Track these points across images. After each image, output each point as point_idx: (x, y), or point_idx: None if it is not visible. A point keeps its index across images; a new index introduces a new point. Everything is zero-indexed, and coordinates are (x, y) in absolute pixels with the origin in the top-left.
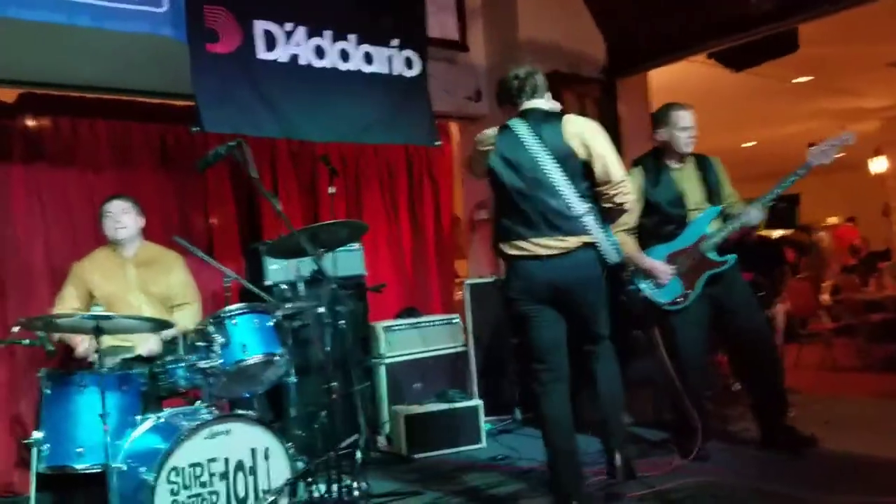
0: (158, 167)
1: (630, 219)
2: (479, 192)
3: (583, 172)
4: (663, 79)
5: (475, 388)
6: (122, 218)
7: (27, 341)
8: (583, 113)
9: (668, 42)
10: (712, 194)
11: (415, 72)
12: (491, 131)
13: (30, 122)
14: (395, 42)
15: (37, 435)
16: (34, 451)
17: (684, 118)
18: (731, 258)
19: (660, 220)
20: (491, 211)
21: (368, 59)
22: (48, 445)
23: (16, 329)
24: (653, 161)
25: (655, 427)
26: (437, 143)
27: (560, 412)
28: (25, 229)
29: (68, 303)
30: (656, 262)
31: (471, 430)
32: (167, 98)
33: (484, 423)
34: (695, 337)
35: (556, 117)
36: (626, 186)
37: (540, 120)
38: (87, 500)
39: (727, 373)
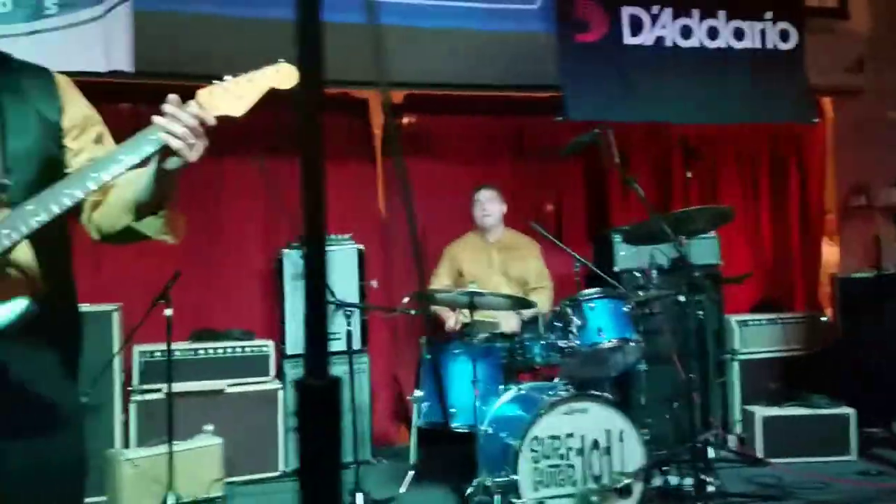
0: (515, 156)
1: None
2: (854, 174)
3: None
4: None
5: (844, 394)
6: (489, 206)
7: (413, 311)
8: None
9: None
10: None
11: (790, 44)
12: None
13: (412, 120)
14: (769, 14)
15: (418, 394)
16: (415, 407)
17: None
18: None
19: None
20: None
21: (739, 35)
22: (426, 404)
23: (406, 300)
24: None
25: None
26: (814, 119)
27: None
28: (405, 216)
29: (442, 280)
30: None
31: (837, 439)
32: (528, 91)
33: (854, 433)
34: None
35: None
36: None
37: None
38: (456, 455)
39: None
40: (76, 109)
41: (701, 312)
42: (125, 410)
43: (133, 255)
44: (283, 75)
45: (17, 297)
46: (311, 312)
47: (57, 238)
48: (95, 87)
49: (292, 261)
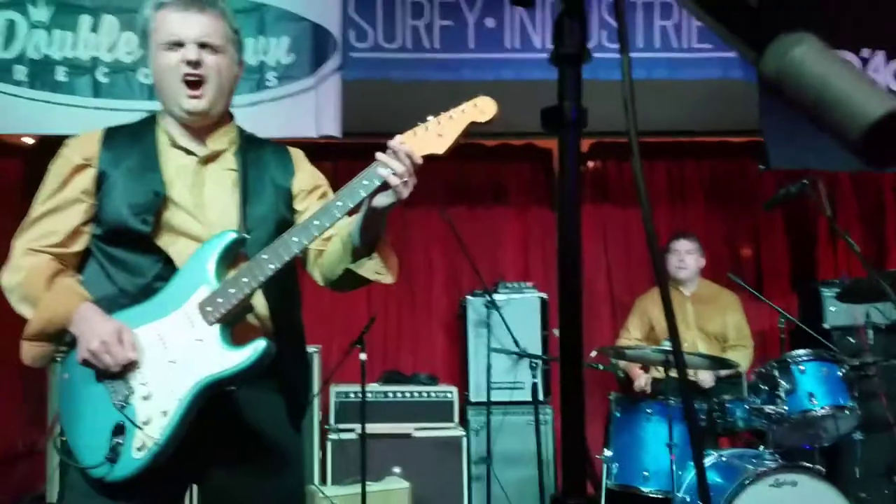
0: (709, 203)
1: None
2: None
3: None
4: None
5: None
6: (686, 258)
7: (601, 366)
8: None
9: None
10: None
11: None
12: None
13: (598, 167)
14: None
15: (607, 453)
16: (605, 467)
17: None
18: None
19: None
20: None
21: None
22: (617, 464)
23: (593, 354)
24: None
25: None
26: None
27: None
28: (591, 264)
29: (632, 334)
30: None
31: None
32: (722, 136)
33: None
34: None
35: None
36: None
37: None
38: None
39: None
40: (305, 177)
41: None
42: (322, 447)
43: (329, 300)
44: (482, 109)
45: (256, 339)
46: (569, 431)
47: (287, 288)
48: (302, 146)
49: (475, 308)
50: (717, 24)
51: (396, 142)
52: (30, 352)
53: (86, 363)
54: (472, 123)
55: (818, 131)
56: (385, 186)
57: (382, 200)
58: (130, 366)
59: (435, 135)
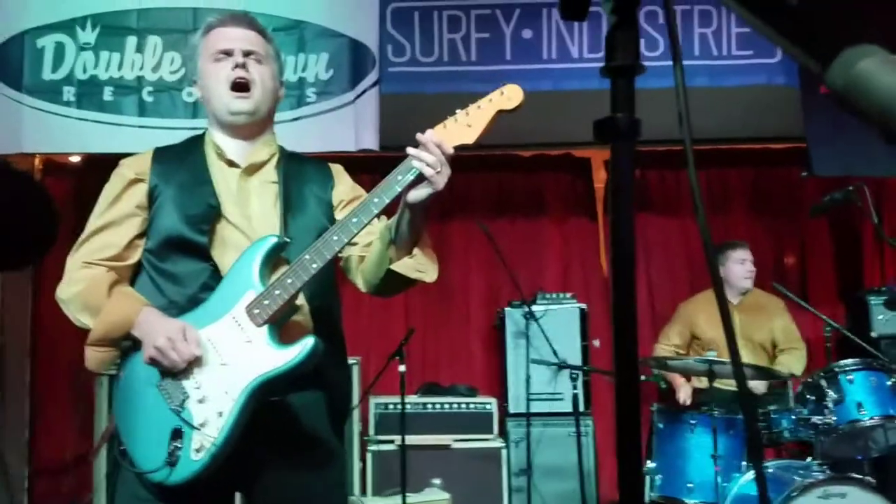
0: (753, 211)
1: None
2: None
3: None
4: None
5: None
6: (752, 267)
7: (643, 377)
8: None
9: None
10: None
11: None
12: None
13: (637, 176)
14: None
15: (650, 465)
16: (647, 479)
17: None
18: None
19: None
20: None
21: None
22: (660, 476)
23: None
24: None
25: None
26: None
27: None
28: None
29: (671, 341)
30: None
31: None
32: (765, 143)
33: None
34: None
35: None
36: None
37: None
38: None
39: None
40: (345, 188)
41: None
42: (362, 459)
43: (368, 312)
44: (508, 96)
45: (304, 337)
46: (625, 442)
47: (327, 294)
48: (341, 160)
49: (514, 319)
50: (780, 37)
51: (426, 135)
52: (94, 357)
53: (152, 361)
54: (500, 112)
55: (864, 136)
56: (420, 179)
57: (420, 194)
58: (189, 367)
59: (464, 125)
